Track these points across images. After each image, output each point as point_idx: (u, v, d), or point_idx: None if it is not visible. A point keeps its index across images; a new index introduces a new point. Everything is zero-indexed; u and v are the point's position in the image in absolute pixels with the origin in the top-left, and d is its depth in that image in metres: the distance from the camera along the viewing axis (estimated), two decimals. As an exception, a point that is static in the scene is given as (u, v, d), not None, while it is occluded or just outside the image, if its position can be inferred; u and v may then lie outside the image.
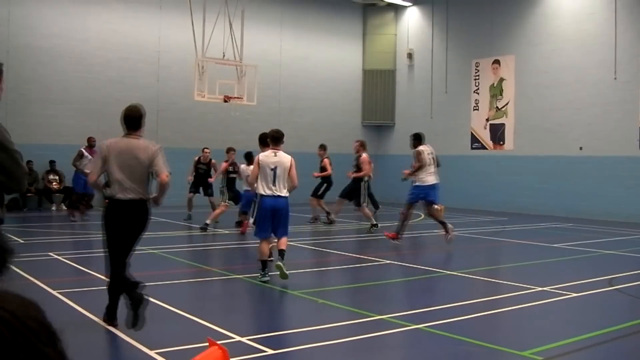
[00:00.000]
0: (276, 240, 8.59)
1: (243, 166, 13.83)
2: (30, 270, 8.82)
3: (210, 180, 15.93)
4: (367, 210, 14.56)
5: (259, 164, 8.38)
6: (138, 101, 23.50)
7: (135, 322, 5.45)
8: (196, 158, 16.31)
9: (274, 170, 8.31)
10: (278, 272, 8.13)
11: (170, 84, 20.67)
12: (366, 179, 14.70)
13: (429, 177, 11.92)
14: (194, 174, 16.14)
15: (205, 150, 16.33)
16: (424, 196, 11.98)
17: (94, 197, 16.07)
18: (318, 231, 14.74)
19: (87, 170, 15.39)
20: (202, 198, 16.09)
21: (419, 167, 11.89)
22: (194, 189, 16.12)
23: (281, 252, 8.33)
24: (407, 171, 12.28)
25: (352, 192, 14.81)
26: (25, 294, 1.02)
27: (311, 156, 17.05)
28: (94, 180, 5.91)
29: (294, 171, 8.38)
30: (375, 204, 17.04)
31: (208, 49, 16.67)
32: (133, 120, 5.88)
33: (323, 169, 16.05)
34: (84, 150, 15.83)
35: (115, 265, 5.81)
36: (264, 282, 8.15)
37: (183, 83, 19.78)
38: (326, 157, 16.18)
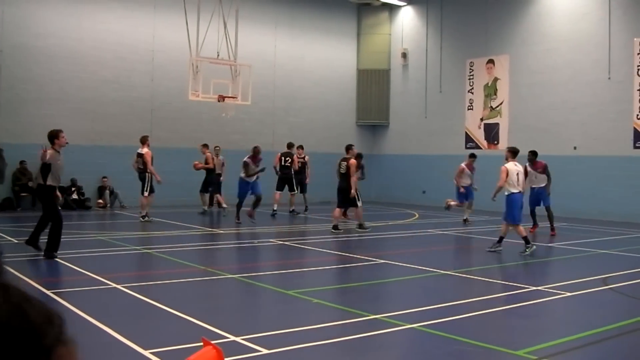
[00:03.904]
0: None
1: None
2: (24, 271, 8.79)
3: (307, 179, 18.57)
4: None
5: None
6: (133, 101, 23.51)
7: None
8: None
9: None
10: None
11: (164, 84, 20.62)
12: None
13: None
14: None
15: (299, 149, 18.54)
16: None
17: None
18: (312, 231, 14.74)
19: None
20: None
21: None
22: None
23: None
24: None
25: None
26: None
27: (309, 156, 17.03)
28: None
29: None
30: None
31: (202, 48, 16.67)
32: None
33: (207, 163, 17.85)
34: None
35: None
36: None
37: (177, 82, 19.75)
38: (208, 153, 17.95)
